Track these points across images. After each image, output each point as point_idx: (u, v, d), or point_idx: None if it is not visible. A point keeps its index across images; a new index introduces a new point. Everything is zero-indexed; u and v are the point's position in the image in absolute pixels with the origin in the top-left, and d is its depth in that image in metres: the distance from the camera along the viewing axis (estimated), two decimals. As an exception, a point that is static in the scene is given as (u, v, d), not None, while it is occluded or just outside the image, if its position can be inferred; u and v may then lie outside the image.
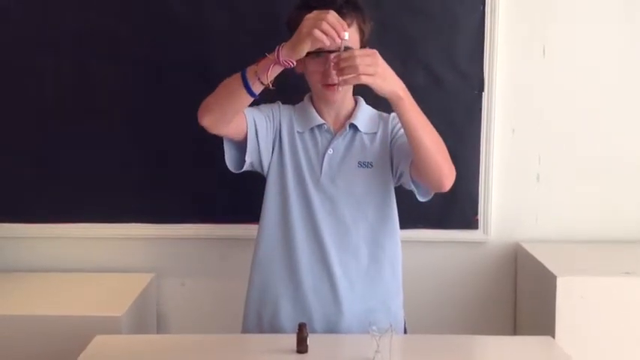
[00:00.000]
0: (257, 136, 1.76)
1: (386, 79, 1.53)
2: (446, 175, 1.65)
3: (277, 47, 1.56)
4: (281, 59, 1.55)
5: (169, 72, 2.24)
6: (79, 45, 2.25)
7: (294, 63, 1.58)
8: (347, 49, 1.56)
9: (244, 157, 1.76)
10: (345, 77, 1.52)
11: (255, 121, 1.76)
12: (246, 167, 1.80)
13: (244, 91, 1.60)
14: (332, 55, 1.60)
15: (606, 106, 2.32)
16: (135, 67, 2.25)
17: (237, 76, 1.62)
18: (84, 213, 2.31)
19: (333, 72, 1.63)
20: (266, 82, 1.58)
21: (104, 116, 2.28)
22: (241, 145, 1.77)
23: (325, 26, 1.49)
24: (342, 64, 1.51)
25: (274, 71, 1.58)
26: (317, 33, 1.49)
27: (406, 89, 1.57)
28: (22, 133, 2.29)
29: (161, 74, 2.25)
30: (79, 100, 2.27)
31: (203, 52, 2.23)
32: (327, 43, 1.51)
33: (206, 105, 1.68)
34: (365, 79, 1.50)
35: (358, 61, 1.49)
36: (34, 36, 2.25)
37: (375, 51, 1.53)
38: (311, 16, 1.52)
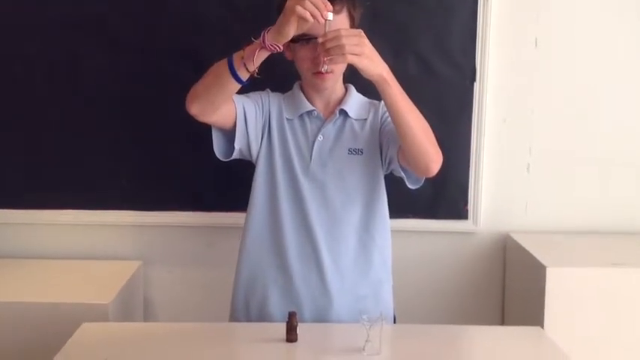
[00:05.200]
0: (246, 123, 1.74)
1: (373, 61, 1.51)
2: (433, 158, 1.63)
3: (263, 32, 1.53)
4: (267, 43, 1.52)
5: (161, 60, 2.22)
6: (70, 32, 2.22)
7: (281, 47, 1.54)
8: None
9: (233, 145, 1.74)
10: (331, 57, 1.49)
11: (244, 108, 1.73)
12: (234, 155, 1.77)
13: (231, 78, 1.57)
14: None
15: (597, 97, 2.32)
16: (127, 55, 2.23)
17: (224, 62, 1.59)
18: (71, 200, 2.30)
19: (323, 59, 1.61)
20: (252, 69, 1.55)
21: (94, 104, 2.26)
22: (230, 134, 1.75)
23: (308, 5, 1.45)
24: (328, 45, 1.48)
25: (260, 56, 1.55)
26: (299, 10, 1.45)
27: (391, 72, 1.55)
28: (10, 119, 2.27)
29: (153, 62, 2.22)
30: (68, 87, 2.25)
31: (198, 41, 2.20)
32: (310, 20, 1.47)
33: (194, 92, 1.65)
34: (351, 59, 1.48)
35: (344, 40, 1.46)
36: (24, 23, 2.22)
37: (360, 31, 1.51)
38: None
